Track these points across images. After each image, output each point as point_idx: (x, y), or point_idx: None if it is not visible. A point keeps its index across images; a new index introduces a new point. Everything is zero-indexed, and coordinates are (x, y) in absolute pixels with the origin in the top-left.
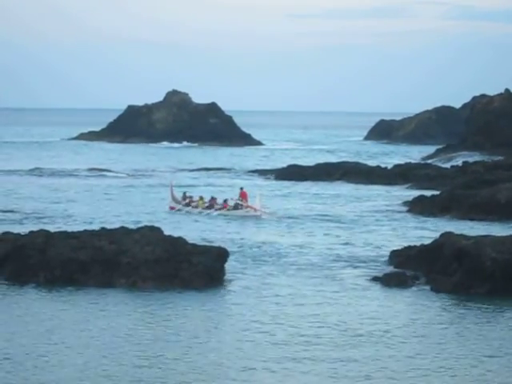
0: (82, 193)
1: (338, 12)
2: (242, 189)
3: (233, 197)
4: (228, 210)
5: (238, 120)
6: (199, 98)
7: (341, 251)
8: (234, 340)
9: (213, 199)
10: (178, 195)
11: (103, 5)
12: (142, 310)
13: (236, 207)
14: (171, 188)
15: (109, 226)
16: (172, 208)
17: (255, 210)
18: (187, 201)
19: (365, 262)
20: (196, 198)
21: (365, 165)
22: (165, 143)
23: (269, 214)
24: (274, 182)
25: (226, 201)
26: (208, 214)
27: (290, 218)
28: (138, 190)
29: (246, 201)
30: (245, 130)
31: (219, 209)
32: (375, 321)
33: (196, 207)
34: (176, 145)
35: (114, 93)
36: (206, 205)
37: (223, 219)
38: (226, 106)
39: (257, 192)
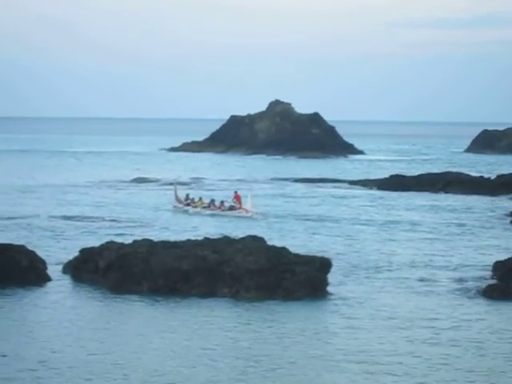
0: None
1: (438, 21)
2: (236, 192)
3: (228, 199)
4: (223, 210)
5: (340, 130)
6: (302, 107)
7: (443, 262)
8: (337, 352)
9: (211, 201)
10: (182, 196)
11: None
12: (245, 321)
13: (231, 208)
14: (175, 190)
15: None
16: (175, 207)
17: (247, 211)
18: (188, 201)
19: (468, 273)
20: (196, 200)
21: (468, 175)
22: (267, 153)
23: (259, 214)
24: (377, 192)
25: (222, 202)
26: (208, 213)
27: (390, 227)
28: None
29: (240, 203)
30: (347, 139)
31: (216, 209)
32: (479, 333)
33: (195, 207)
34: (278, 155)
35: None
36: (205, 205)
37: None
38: (328, 116)
39: (248, 194)
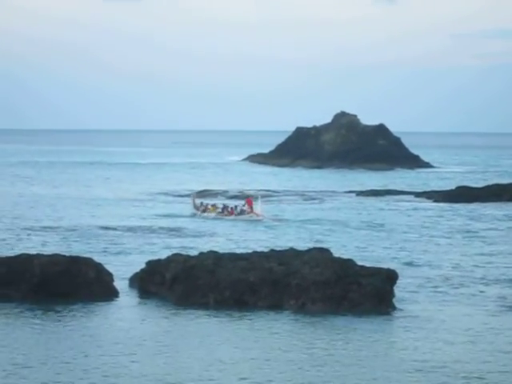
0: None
1: (500, 32)
2: (248, 196)
3: (238, 204)
4: (235, 215)
5: (405, 141)
6: (367, 119)
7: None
8: (400, 367)
9: (225, 207)
10: (198, 203)
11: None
12: (312, 333)
13: (242, 213)
14: (193, 198)
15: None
16: (193, 213)
17: (257, 215)
18: (203, 208)
19: None
20: (210, 206)
21: None
22: (333, 165)
23: (269, 218)
24: (443, 203)
25: (233, 208)
26: (222, 218)
27: (457, 239)
28: (294, 214)
29: (251, 207)
30: (413, 151)
31: (228, 214)
32: None
33: (210, 212)
34: (344, 167)
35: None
36: (219, 211)
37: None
38: (393, 128)
39: (258, 199)
